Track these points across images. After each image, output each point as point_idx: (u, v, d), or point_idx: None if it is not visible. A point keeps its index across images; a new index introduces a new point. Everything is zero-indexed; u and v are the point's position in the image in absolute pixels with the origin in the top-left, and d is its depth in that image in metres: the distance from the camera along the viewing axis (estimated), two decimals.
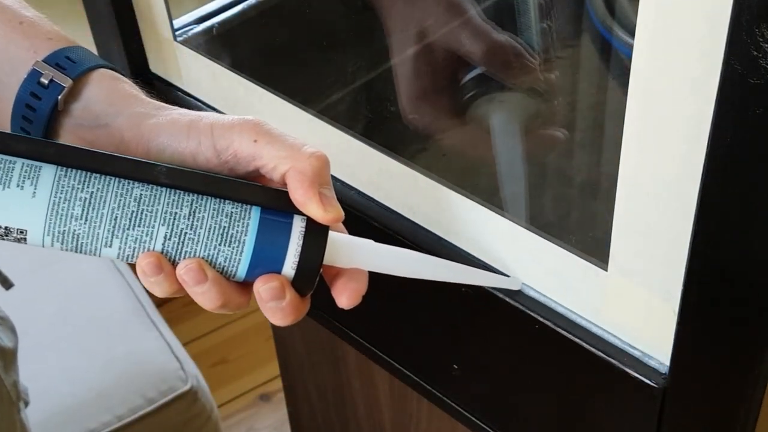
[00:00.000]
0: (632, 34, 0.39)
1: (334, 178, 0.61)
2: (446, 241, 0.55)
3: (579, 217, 0.60)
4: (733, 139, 0.36)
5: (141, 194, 0.44)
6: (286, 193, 0.45)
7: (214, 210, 0.45)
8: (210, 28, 0.70)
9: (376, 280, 0.57)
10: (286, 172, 0.45)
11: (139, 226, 0.44)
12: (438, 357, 0.60)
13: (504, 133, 0.60)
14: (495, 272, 0.53)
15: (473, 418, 0.59)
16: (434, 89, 0.62)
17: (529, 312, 0.51)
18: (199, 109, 0.68)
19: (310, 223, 0.45)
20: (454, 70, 0.61)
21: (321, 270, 0.46)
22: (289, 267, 0.46)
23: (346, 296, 0.48)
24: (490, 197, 0.53)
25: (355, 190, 0.60)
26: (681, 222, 0.41)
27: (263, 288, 0.46)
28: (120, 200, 0.44)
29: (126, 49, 0.70)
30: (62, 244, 0.44)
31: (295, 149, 0.45)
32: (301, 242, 0.45)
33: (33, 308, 1.22)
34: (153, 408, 1.11)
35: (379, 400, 0.83)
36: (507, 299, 0.52)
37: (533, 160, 0.61)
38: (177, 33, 0.68)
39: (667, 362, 0.46)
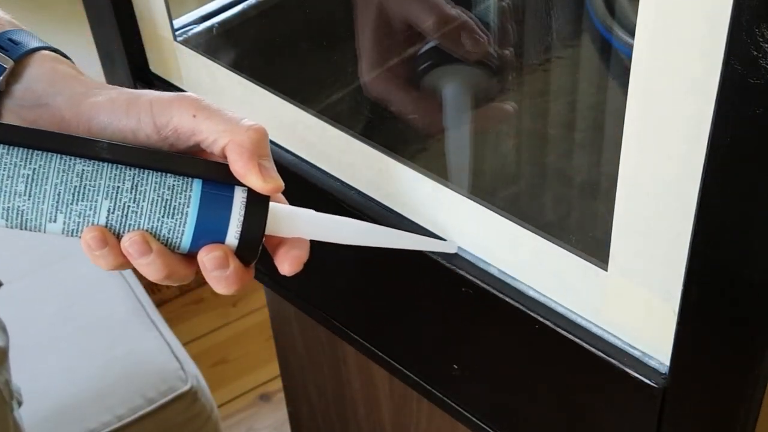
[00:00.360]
0: (632, 34, 0.39)
1: (333, 178, 0.61)
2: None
3: (579, 217, 0.60)
4: (733, 139, 0.36)
5: (83, 170, 0.46)
6: (227, 165, 0.47)
7: (156, 183, 0.46)
8: (210, 28, 0.70)
9: (377, 279, 0.57)
10: (225, 145, 0.47)
11: (82, 200, 0.45)
12: (438, 357, 0.60)
13: (453, 104, 0.62)
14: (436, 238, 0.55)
15: (473, 418, 0.59)
16: (391, 59, 0.64)
17: (529, 312, 0.51)
18: None
19: (251, 194, 0.47)
20: (411, 41, 0.62)
21: (264, 239, 0.47)
22: (232, 237, 0.47)
23: (288, 263, 0.49)
24: (490, 197, 0.53)
25: (355, 190, 0.60)
26: (681, 222, 0.41)
27: (207, 257, 0.47)
28: (63, 176, 0.45)
29: (126, 49, 0.70)
30: (7, 221, 0.46)
31: (233, 123, 0.47)
32: (242, 212, 0.47)
33: (33, 308, 1.22)
34: (153, 408, 1.11)
35: (379, 400, 0.83)
36: (507, 299, 0.52)
37: (482, 132, 0.63)
38: (177, 33, 0.68)
39: (667, 362, 0.46)
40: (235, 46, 0.72)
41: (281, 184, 0.47)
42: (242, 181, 0.47)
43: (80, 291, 1.24)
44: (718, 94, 0.36)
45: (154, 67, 0.71)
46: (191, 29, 0.69)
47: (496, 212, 0.52)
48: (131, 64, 0.71)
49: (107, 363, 1.15)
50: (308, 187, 0.61)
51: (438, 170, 0.55)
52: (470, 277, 0.53)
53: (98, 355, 1.15)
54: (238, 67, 0.65)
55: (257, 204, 0.47)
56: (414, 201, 0.56)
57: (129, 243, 0.46)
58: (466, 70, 0.62)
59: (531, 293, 0.52)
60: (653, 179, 0.42)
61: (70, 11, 1.75)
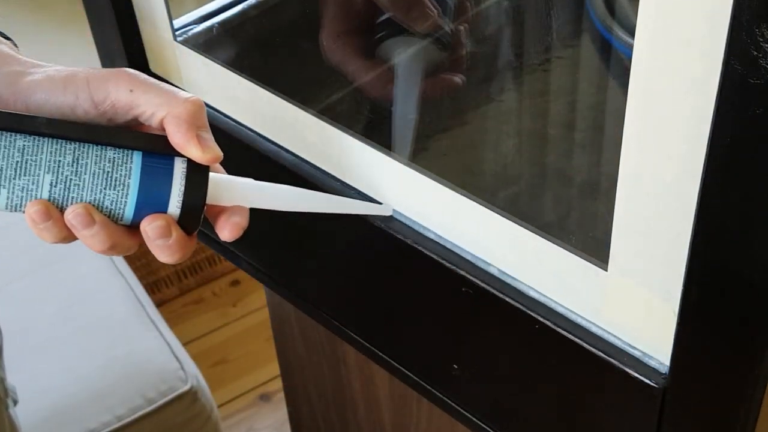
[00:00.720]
0: (632, 34, 0.39)
1: (334, 177, 0.61)
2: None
3: (579, 217, 0.60)
4: (733, 139, 0.36)
5: (24, 145, 0.47)
6: (166, 137, 0.48)
7: (96, 156, 0.48)
8: (210, 28, 0.70)
9: (377, 279, 0.57)
10: (163, 118, 0.48)
11: (24, 175, 0.47)
12: (438, 357, 0.60)
13: (401, 75, 0.63)
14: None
15: (473, 418, 0.59)
16: (350, 29, 0.65)
17: (529, 312, 0.51)
18: None
19: (191, 164, 0.48)
20: (370, 12, 0.64)
21: (205, 208, 0.49)
22: (174, 206, 0.48)
23: (228, 230, 0.51)
24: (491, 197, 0.53)
25: (363, 192, 0.60)
26: (681, 222, 0.41)
27: (150, 227, 0.48)
28: (4, 152, 0.47)
29: (126, 49, 0.70)
30: None
31: (170, 96, 0.48)
32: (183, 182, 0.48)
33: (33, 308, 1.22)
34: (153, 408, 1.11)
35: (379, 400, 0.83)
36: (507, 299, 0.52)
37: (430, 102, 0.64)
38: (177, 33, 0.68)
39: (667, 362, 0.46)
40: (235, 46, 0.72)
41: (220, 153, 0.49)
42: (181, 152, 0.48)
43: (80, 291, 1.24)
44: (718, 94, 0.36)
45: (154, 67, 0.71)
46: (191, 29, 0.69)
47: (496, 212, 0.52)
48: (131, 64, 0.71)
49: (107, 363, 1.15)
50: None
51: (438, 170, 0.55)
52: (470, 277, 0.53)
53: (98, 355, 1.15)
54: (238, 67, 0.65)
55: (197, 174, 0.48)
56: (409, 201, 0.56)
57: (72, 215, 0.47)
58: (416, 42, 0.63)
59: (531, 293, 0.52)
60: (653, 179, 0.42)
61: (70, 11, 1.75)
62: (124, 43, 0.70)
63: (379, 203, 0.57)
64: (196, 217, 0.49)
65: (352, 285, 0.65)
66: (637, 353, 0.48)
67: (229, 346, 1.73)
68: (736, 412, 0.44)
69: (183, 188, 0.48)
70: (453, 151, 0.65)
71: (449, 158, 0.64)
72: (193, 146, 0.48)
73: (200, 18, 0.70)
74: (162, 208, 0.48)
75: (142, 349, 1.16)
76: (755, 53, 0.33)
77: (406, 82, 0.63)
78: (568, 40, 0.65)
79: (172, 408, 1.12)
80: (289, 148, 0.63)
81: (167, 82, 0.70)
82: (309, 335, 0.88)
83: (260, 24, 0.73)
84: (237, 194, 0.51)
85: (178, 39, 0.68)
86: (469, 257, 0.54)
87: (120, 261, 1.29)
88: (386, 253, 0.58)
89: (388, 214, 0.57)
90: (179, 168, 0.48)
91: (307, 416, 0.99)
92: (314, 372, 0.91)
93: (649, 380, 0.46)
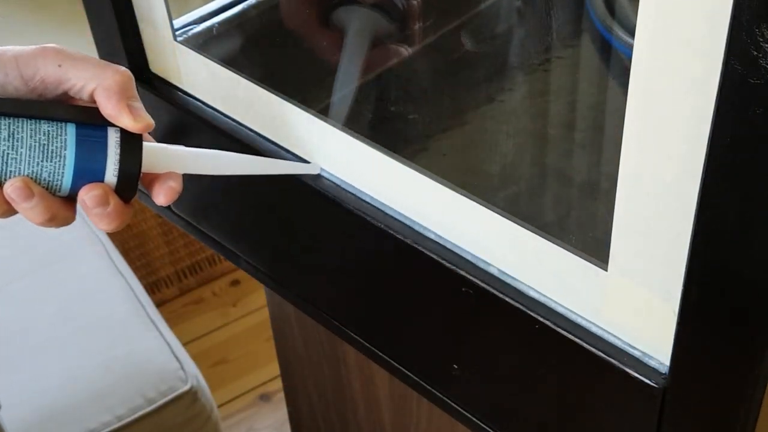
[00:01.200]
0: (632, 34, 0.39)
1: (333, 177, 0.61)
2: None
3: (579, 217, 0.60)
4: (733, 139, 0.36)
5: None
6: (97, 109, 0.50)
7: (31, 130, 0.49)
8: (210, 28, 0.70)
9: (377, 279, 0.57)
10: (93, 90, 0.50)
11: None
12: (438, 357, 0.60)
13: (349, 41, 0.65)
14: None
15: (473, 418, 0.59)
16: None
17: (529, 312, 0.51)
18: (199, 109, 0.68)
19: (124, 134, 0.50)
20: None
21: (141, 176, 0.51)
22: (111, 175, 0.50)
23: (163, 195, 0.53)
24: (491, 197, 0.53)
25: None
26: (681, 222, 0.41)
27: (88, 196, 0.50)
28: None
29: (126, 49, 0.70)
30: None
31: (99, 68, 0.50)
32: (118, 151, 0.50)
33: (33, 308, 1.22)
34: (153, 408, 1.11)
35: (379, 400, 0.83)
36: (507, 299, 0.52)
37: (374, 70, 0.66)
38: (177, 33, 0.68)
39: (667, 362, 0.46)
40: (235, 46, 0.72)
41: (151, 122, 0.51)
42: (114, 122, 0.50)
43: (80, 291, 1.24)
44: (718, 94, 0.36)
45: (154, 67, 0.71)
46: (191, 29, 0.69)
47: (496, 212, 0.52)
48: (131, 64, 0.71)
49: (107, 363, 1.15)
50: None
51: (438, 171, 0.55)
52: (470, 277, 0.53)
53: (98, 355, 1.15)
54: (238, 67, 0.65)
55: (131, 143, 0.50)
56: (409, 201, 0.56)
57: (11, 189, 0.49)
58: (366, 12, 0.65)
59: (531, 293, 0.52)
60: (653, 179, 0.42)
61: (70, 11, 1.75)
62: (124, 43, 0.70)
63: (308, 162, 0.60)
64: (133, 184, 0.51)
65: (352, 285, 0.65)
66: (637, 353, 0.48)
67: (229, 346, 1.73)
68: (736, 412, 0.44)
69: (118, 157, 0.50)
70: (453, 151, 0.65)
71: (449, 158, 0.64)
72: (125, 116, 0.49)
73: (200, 18, 0.70)
74: (99, 178, 0.50)
75: (142, 349, 1.16)
76: (755, 53, 0.33)
77: (351, 49, 0.65)
78: (568, 40, 0.65)
79: (172, 408, 1.12)
80: (290, 148, 0.63)
81: (167, 82, 0.70)
82: (309, 335, 0.88)
83: (260, 24, 0.73)
84: (170, 161, 0.53)
85: (178, 39, 0.68)
86: (469, 257, 0.54)
87: (120, 261, 1.29)
88: (386, 253, 0.58)
89: (315, 172, 0.60)
90: (113, 138, 0.50)
91: (307, 416, 0.99)
92: (314, 372, 0.91)
93: (649, 380, 0.46)
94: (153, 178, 0.53)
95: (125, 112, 0.49)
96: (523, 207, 0.60)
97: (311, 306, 0.68)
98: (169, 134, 0.71)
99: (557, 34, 0.63)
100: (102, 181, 0.50)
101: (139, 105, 0.51)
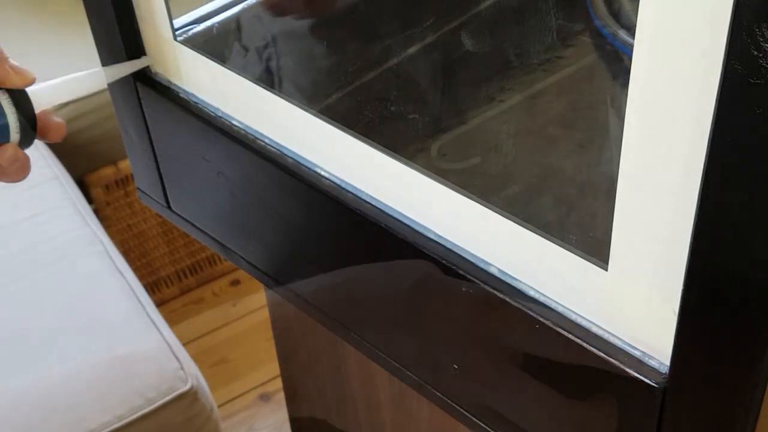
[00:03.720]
0: (632, 33, 0.39)
1: (333, 175, 0.61)
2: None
3: (579, 217, 0.60)
4: (733, 139, 0.36)
5: None
6: None
7: None
8: (210, 28, 0.70)
9: (377, 279, 0.57)
10: None
11: None
12: (438, 357, 0.60)
13: None
14: None
15: (473, 418, 0.59)
16: None
17: (529, 312, 0.51)
18: (199, 109, 0.68)
19: (11, 92, 0.57)
20: None
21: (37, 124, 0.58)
22: (15, 133, 0.57)
23: (53, 131, 0.60)
24: (491, 197, 0.53)
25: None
26: (681, 222, 0.41)
27: (3, 158, 0.56)
28: None
29: (126, 49, 0.70)
30: None
31: None
32: (14, 110, 0.56)
33: (33, 308, 1.22)
34: (153, 408, 1.11)
35: (379, 400, 0.83)
36: (507, 299, 0.52)
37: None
38: (177, 33, 0.68)
39: (667, 362, 0.46)
40: (235, 46, 0.72)
41: (33, 74, 0.57)
42: (3, 85, 0.56)
43: (80, 291, 1.24)
44: (718, 94, 0.36)
45: (154, 67, 0.71)
46: (191, 29, 0.69)
47: (496, 212, 0.52)
48: None
49: (107, 363, 1.15)
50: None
51: (438, 171, 0.55)
52: (470, 277, 0.53)
53: (98, 355, 1.15)
54: (239, 66, 0.65)
55: (20, 98, 0.57)
56: (409, 200, 0.56)
57: None
58: None
59: (531, 293, 0.52)
60: (653, 179, 0.42)
61: (70, 11, 1.75)
62: (124, 43, 0.70)
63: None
64: (32, 134, 0.58)
65: (351, 285, 0.65)
66: (637, 353, 0.48)
67: (229, 346, 1.73)
68: (736, 411, 0.44)
69: (16, 114, 0.56)
70: (453, 151, 0.65)
71: (449, 158, 0.64)
72: (12, 76, 0.56)
73: (200, 18, 0.70)
74: (5, 139, 0.56)
75: (142, 349, 1.16)
76: (755, 53, 0.33)
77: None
78: (568, 40, 0.65)
79: (172, 408, 1.12)
80: (290, 148, 0.63)
81: (167, 82, 0.70)
82: (309, 335, 0.88)
83: (260, 24, 0.73)
84: (44, 100, 0.59)
85: (178, 39, 0.68)
86: (469, 257, 0.54)
87: (120, 261, 1.29)
88: (386, 253, 0.58)
89: (147, 64, 0.69)
90: (5, 100, 0.56)
91: (307, 416, 0.99)
92: (314, 372, 0.91)
93: (649, 380, 0.46)
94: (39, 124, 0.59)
95: (11, 73, 0.56)
96: (523, 207, 0.60)
97: (311, 306, 0.68)
98: (169, 134, 0.71)
99: (557, 34, 0.63)
100: (8, 140, 0.56)
101: (15, 62, 0.57)
